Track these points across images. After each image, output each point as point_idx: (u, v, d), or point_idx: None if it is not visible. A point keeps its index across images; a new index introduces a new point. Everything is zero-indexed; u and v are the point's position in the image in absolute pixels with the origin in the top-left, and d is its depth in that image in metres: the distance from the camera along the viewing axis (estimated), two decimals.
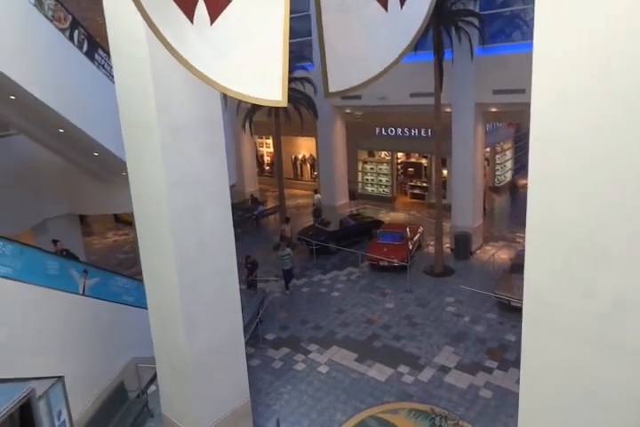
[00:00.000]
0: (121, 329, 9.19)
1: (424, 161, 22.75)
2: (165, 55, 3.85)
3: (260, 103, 3.66)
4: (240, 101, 18.23)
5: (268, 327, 11.91)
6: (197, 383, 7.19)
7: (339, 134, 22.38)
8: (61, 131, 9.33)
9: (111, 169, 11.14)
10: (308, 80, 17.86)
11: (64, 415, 7.55)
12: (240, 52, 3.53)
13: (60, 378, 7.55)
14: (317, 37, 3.53)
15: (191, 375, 7.13)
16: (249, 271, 13.73)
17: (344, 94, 3.78)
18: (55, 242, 11.27)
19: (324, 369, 10.14)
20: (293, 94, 17.78)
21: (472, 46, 13.53)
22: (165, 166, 6.36)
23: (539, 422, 3.82)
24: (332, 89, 3.69)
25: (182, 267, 6.79)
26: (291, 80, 17.95)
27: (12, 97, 8.18)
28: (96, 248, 18.75)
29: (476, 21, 13.37)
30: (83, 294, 8.47)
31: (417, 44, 14.09)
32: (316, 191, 22.04)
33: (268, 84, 3.47)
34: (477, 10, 13.97)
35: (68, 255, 10.40)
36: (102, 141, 9.49)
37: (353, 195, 22.22)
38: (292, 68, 18.04)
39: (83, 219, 21.46)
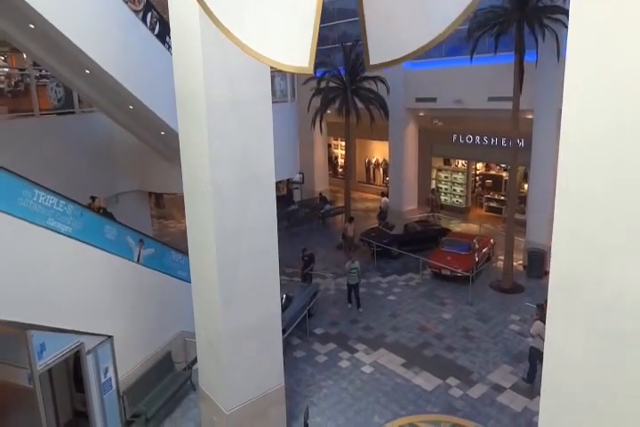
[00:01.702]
0: (172, 302, 9.46)
1: (504, 174, 21.56)
2: (215, 32, 3.80)
3: (286, 69, 3.50)
4: (311, 100, 18.49)
5: (317, 322, 11.75)
6: (231, 361, 7.18)
7: (411, 138, 21.88)
8: (131, 107, 9.88)
9: (176, 149, 11.62)
10: (381, 79, 17.61)
11: (110, 373, 7.89)
12: (270, 12, 3.41)
13: (110, 337, 7.90)
14: (357, 5, 3.33)
15: (225, 352, 7.14)
16: (305, 264, 13.69)
17: (385, 67, 3.51)
18: (93, 198, 11.09)
19: (368, 370, 9.77)
20: (364, 93, 17.64)
21: (559, 46, 12.56)
22: (209, 142, 6.42)
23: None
24: (372, 61, 3.45)
25: (222, 244, 6.82)
26: (363, 79, 17.86)
27: (87, 71, 8.81)
28: (171, 231, 19.66)
29: (565, 19, 12.43)
30: (137, 262, 8.83)
31: (497, 45, 13.47)
32: (383, 194, 21.67)
33: (296, 51, 3.31)
34: (567, 6, 13.02)
35: (105, 214, 10.12)
36: (167, 120, 9.91)
37: (432, 204, 21.27)
38: (363, 68, 17.91)
39: (159, 201, 22.77)
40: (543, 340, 3.49)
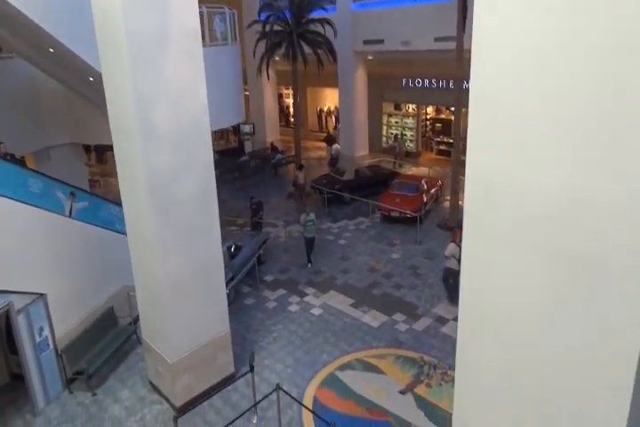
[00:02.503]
0: (112, 256, 8.92)
1: (453, 117, 21.30)
2: None
3: None
4: (256, 45, 17.23)
5: (268, 269, 11.53)
6: (173, 309, 6.86)
7: (360, 83, 21.12)
8: (51, 50, 8.76)
9: None
10: (328, 21, 16.53)
11: (46, 332, 7.43)
12: None
13: (42, 295, 7.39)
14: None
15: (165, 301, 6.80)
16: (253, 212, 13.29)
17: None
18: None
19: (317, 312, 9.72)
20: (311, 36, 16.56)
21: None
22: (134, 80, 5.76)
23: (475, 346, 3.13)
24: None
25: (154, 188, 6.33)
26: (309, 21, 16.71)
27: None
28: (115, 189, 18.55)
29: None
30: (69, 216, 8.15)
31: None
32: (335, 141, 21.14)
33: None
34: None
35: (14, 160, 8.99)
36: (92, 62, 8.86)
37: (395, 151, 20.68)
38: (311, 9, 16.76)
39: (102, 157, 21.43)
40: (457, 260, 3.33)
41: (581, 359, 2.43)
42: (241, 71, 16.62)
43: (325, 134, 24.58)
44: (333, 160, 19.41)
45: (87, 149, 21.93)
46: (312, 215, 11.72)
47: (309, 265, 11.65)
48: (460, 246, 3.29)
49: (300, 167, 16.76)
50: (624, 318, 2.22)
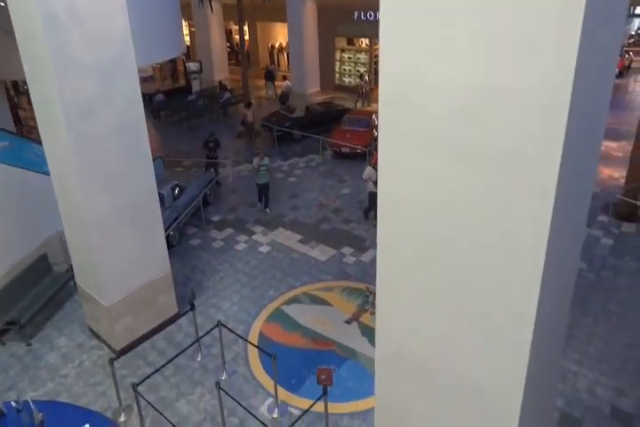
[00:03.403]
0: (42, 200, 7.97)
1: None
2: None
3: None
4: None
5: (215, 210, 10.87)
6: (102, 251, 6.25)
7: (310, 17, 19.42)
8: None
9: None
10: None
11: None
12: None
13: None
14: None
15: (95, 242, 6.18)
16: (210, 150, 12.23)
17: None
18: None
19: (264, 249, 9.29)
20: None
21: None
22: None
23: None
24: None
25: (73, 121, 5.55)
26: None
27: None
28: None
29: None
30: None
31: None
32: (285, 78, 19.78)
33: None
34: None
35: None
36: None
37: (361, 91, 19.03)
38: None
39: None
40: (374, 183, 3.01)
41: (495, 247, 2.29)
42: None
43: (280, 72, 23.00)
44: (283, 97, 18.20)
45: (19, 90, 19.76)
46: (266, 160, 10.51)
47: (268, 211, 10.64)
48: (376, 169, 2.94)
49: (249, 105, 15.60)
50: (535, 208, 2.08)
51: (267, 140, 15.06)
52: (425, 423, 3.08)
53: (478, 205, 2.25)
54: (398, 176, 2.55)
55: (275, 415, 5.79)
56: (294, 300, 7.85)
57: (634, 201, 10.15)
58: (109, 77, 5.83)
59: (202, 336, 6.37)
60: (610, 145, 14.73)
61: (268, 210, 10.68)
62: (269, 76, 20.41)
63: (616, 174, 12.46)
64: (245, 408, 5.34)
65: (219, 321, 6.36)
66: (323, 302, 7.79)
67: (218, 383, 5.31)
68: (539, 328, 2.37)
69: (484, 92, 2.05)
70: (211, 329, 6.36)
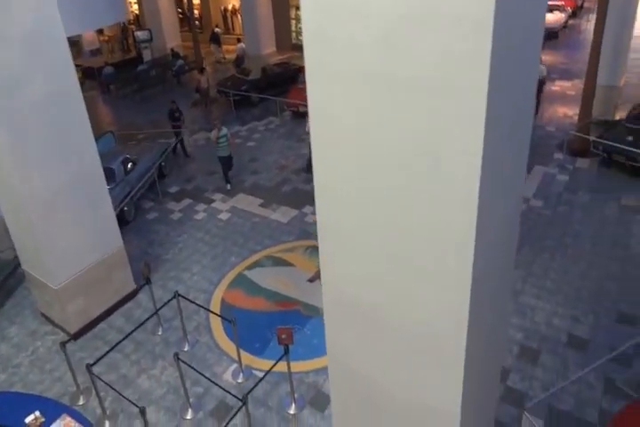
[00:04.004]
0: None
1: None
2: None
3: None
4: None
5: (172, 181, 10.23)
6: (45, 231, 5.75)
7: None
8: None
9: None
10: None
11: None
12: None
13: None
14: None
15: (36, 222, 5.66)
16: (175, 119, 11.29)
17: None
18: None
19: (224, 216, 8.80)
20: None
21: None
22: None
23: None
24: None
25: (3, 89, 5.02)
26: None
27: None
28: None
29: None
30: None
31: None
32: (239, 40, 18.50)
33: None
34: None
35: None
36: None
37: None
38: None
39: None
40: None
41: (429, 177, 2.08)
42: None
43: (235, 35, 21.54)
44: (238, 60, 17.06)
45: None
46: (224, 130, 9.40)
47: (228, 186, 9.60)
48: None
49: (202, 71, 14.54)
50: (466, 136, 1.88)
51: (223, 106, 14.18)
52: (375, 369, 2.90)
53: (410, 136, 2.05)
54: (329, 118, 2.28)
55: (239, 380, 5.55)
56: (256, 264, 7.48)
57: (587, 136, 9.87)
58: (34, 48, 5.18)
59: (159, 309, 6.00)
60: (564, 84, 14.28)
61: (228, 186, 9.65)
62: (215, 39, 19.25)
63: (570, 112, 12.10)
64: (206, 376, 5.07)
65: (176, 292, 5.97)
66: (285, 264, 7.44)
67: (176, 355, 5.00)
68: (479, 263, 2.18)
69: (407, 19, 1.81)
70: (168, 301, 5.98)
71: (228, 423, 4.61)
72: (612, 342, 5.58)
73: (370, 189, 2.31)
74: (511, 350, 5.73)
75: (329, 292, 2.88)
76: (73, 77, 5.74)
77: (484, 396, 3.63)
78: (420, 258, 2.30)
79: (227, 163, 9.56)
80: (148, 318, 5.83)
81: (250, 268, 7.40)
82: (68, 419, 4.53)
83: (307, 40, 2.18)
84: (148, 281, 6.36)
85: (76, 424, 4.50)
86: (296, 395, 5.25)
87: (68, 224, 5.96)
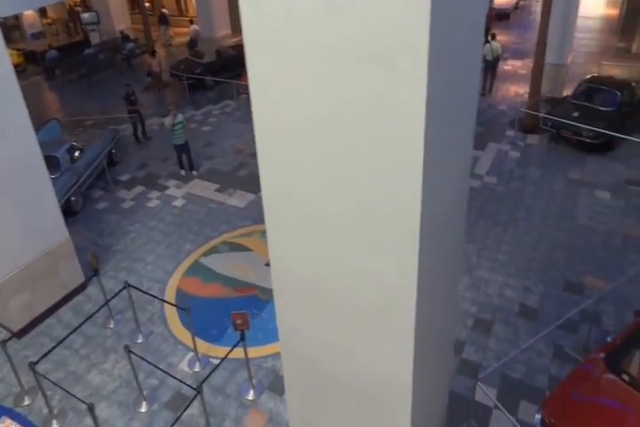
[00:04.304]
0: None
1: None
2: None
3: None
4: None
5: (123, 168, 9.66)
6: None
7: None
8: None
9: None
10: None
11: None
12: None
13: None
14: None
15: None
16: (132, 104, 10.42)
17: None
18: None
19: (179, 203, 8.39)
20: None
21: None
22: None
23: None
24: None
25: None
26: None
27: None
28: None
29: None
30: None
31: None
32: (192, 22, 17.60)
33: None
34: None
35: None
36: None
37: None
38: None
39: None
40: None
41: (374, 145, 1.97)
42: None
43: (189, 16, 20.48)
44: (192, 43, 16.24)
45: None
46: (180, 117, 8.77)
47: (195, 173, 9.06)
48: None
49: (153, 53, 13.73)
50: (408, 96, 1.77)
51: (177, 90, 13.49)
52: (326, 347, 2.81)
53: (352, 103, 1.92)
54: (269, 85, 2.11)
55: (196, 369, 5.31)
56: (213, 250, 7.17)
57: (536, 113, 9.96)
58: None
59: (108, 301, 5.63)
60: (515, 64, 14.37)
61: (194, 172, 9.11)
62: (163, 21, 18.34)
63: (521, 91, 12.18)
64: (159, 367, 4.80)
65: (126, 282, 5.62)
66: (242, 249, 7.17)
67: (127, 347, 4.70)
68: (426, 238, 2.12)
69: None
70: (118, 292, 5.62)
71: (182, 414, 4.39)
72: (560, 310, 5.68)
73: (314, 159, 2.19)
74: (466, 323, 5.74)
75: (277, 271, 2.76)
76: (5, 62, 5.19)
77: (438, 368, 3.57)
78: (366, 234, 2.22)
79: (182, 151, 9.00)
80: (96, 311, 5.45)
81: (206, 254, 7.09)
82: (9, 422, 4.20)
83: (244, 13, 1.95)
84: (96, 272, 5.97)
85: None
86: (254, 380, 5.08)
87: (5, 216, 5.46)
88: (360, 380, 2.78)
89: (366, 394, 2.83)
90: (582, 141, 9.21)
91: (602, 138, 8.97)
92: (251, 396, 4.99)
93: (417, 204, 1.98)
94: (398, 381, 2.59)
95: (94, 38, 17.49)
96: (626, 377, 4.33)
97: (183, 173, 9.16)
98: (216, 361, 5.32)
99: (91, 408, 4.24)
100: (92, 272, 5.92)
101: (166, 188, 8.86)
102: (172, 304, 5.78)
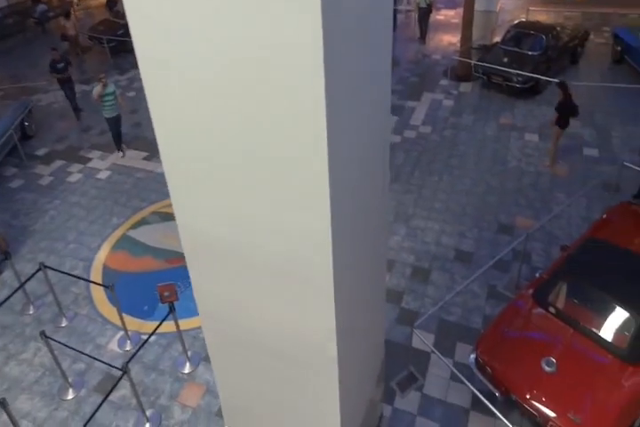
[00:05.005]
0: None
1: None
2: None
3: None
4: None
5: (39, 143, 8.43)
6: None
7: None
8: None
9: None
10: None
11: None
12: None
13: None
14: None
15: None
16: (60, 72, 8.63)
17: None
18: None
19: (104, 175, 7.45)
20: None
21: None
22: None
23: None
24: None
25: None
26: None
27: None
28: None
29: None
30: None
31: None
32: None
33: None
34: None
35: None
36: None
37: None
38: None
39: None
40: None
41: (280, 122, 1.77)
42: None
43: None
44: (111, 2, 14.27)
45: None
46: (112, 87, 7.41)
47: (121, 154, 7.79)
48: None
49: (67, 15, 11.91)
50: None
51: (99, 54, 11.89)
52: (244, 308, 2.56)
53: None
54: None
55: (127, 348, 4.78)
56: (142, 222, 6.43)
57: (468, 61, 9.47)
58: None
59: (21, 285, 4.87)
60: (448, 13, 13.64)
61: (121, 153, 7.81)
62: None
63: (454, 40, 11.57)
64: (78, 350, 4.21)
65: (41, 264, 4.86)
66: (174, 218, 6.45)
67: (43, 333, 4.06)
68: (338, 188, 1.91)
69: None
70: (32, 275, 4.86)
71: (107, 396, 3.87)
72: (494, 252, 5.49)
73: (211, 119, 1.96)
74: (404, 272, 5.46)
75: (185, 233, 2.50)
76: None
77: (368, 321, 3.28)
78: (274, 189, 1.99)
79: (116, 124, 7.66)
80: (8, 298, 4.70)
81: (135, 227, 6.35)
82: None
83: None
84: (7, 256, 5.14)
85: None
86: (190, 353, 4.62)
87: None
88: (282, 341, 2.55)
89: (289, 355, 2.60)
90: (511, 86, 8.88)
91: (530, 82, 8.69)
92: (187, 369, 4.54)
93: (324, 156, 1.74)
94: (321, 338, 2.36)
95: (2, 1, 15.03)
96: (553, 310, 4.22)
97: (121, 155, 7.85)
98: (151, 338, 4.79)
99: (2, 403, 3.65)
100: (4, 256, 5.09)
101: (89, 160, 7.83)
102: (94, 282, 5.12)
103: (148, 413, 4.15)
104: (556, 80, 7.51)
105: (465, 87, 9.49)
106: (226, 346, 2.94)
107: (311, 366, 2.63)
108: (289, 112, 1.73)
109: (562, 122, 6.63)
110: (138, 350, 4.24)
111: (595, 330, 4.00)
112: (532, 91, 8.88)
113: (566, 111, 6.60)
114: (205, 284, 2.66)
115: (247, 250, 2.28)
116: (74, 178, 7.40)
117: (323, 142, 1.73)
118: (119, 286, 5.44)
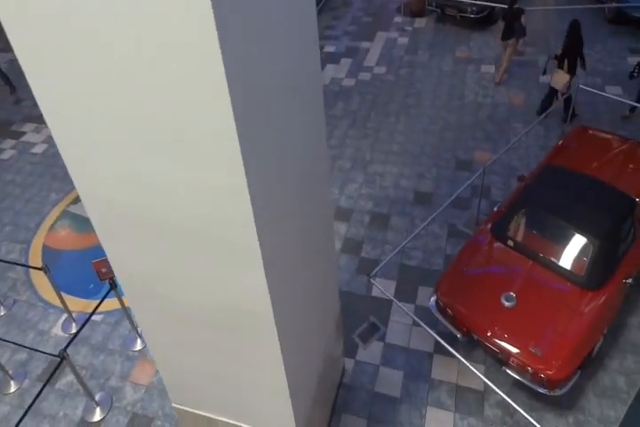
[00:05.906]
0: None
1: None
2: None
3: None
4: None
5: None
6: None
7: None
8: None
9: None
10: None
11: None
12: None
13: None
14: None
15: None
16: None
17: None
18: None
19: (40, 149, 6.43)
20: None
21: None
22: None
23: None
24: None
25: None
26: None
27: None
28: None
29: None
30: None
31: None
32: None
33: None
34: None
35: None
36: None
37: None
38: None
39: None
40: None
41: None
42: None
43: None
44: None
45: None
46: None
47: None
48: None
49: None
50: None
51: None
52: (173, 277, 2.11)
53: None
54: None
55: (72, 331, 4.17)
56: None
57: None
58: None
59: None
60: None
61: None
62: None
63: None
64: (16, 343, 3.59)
65: None
66: None
67: None
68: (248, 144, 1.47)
69: None
70: None
71: (45, 385, 3.30)
72: (453, 191, 4.85)
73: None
74: (363, 221, 4.84)
75: (88, 199, 1.95)
76: None
77: (315, 278, 2.76)
78: (182, 147, 1.55)
79: None
80: None
81: (75, 202, 5.50)
82: None
83: None
84: None
85: None
86: (140, 329, 4.03)
87: None
88: (214, 311, 2.16)
89: (225, 326, 2.20)
90: (466, 17, 7.85)
91: (484, 12, 7.69)
92: (138, 346, 3.98)
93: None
94: (254, 304, 1.98)
95: None
96: (511, 243, 3.71)
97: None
98: (97, 318, 4.19)
99: None
100: None
101: (22, 134, 6.75)
102: (24, 265, 4.40)
103: (98, 396, 3.63)
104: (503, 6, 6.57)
105: (419, 23, 8.38)
106: (158, 322, 2.47)
107: (249, 336, 2.21)
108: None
109: (507, 33, 5.98)
110: (78, 332, 3.62)
111: (553, 259, 3.53)
112: (487, 21, 7.87)
113: (512, 25, 5.91)
114: (122, 258, 2.22)
115: (160, 215, 1.83)
116: (6, 155, 6.36)
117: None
118: (63, 266, 4.77)
